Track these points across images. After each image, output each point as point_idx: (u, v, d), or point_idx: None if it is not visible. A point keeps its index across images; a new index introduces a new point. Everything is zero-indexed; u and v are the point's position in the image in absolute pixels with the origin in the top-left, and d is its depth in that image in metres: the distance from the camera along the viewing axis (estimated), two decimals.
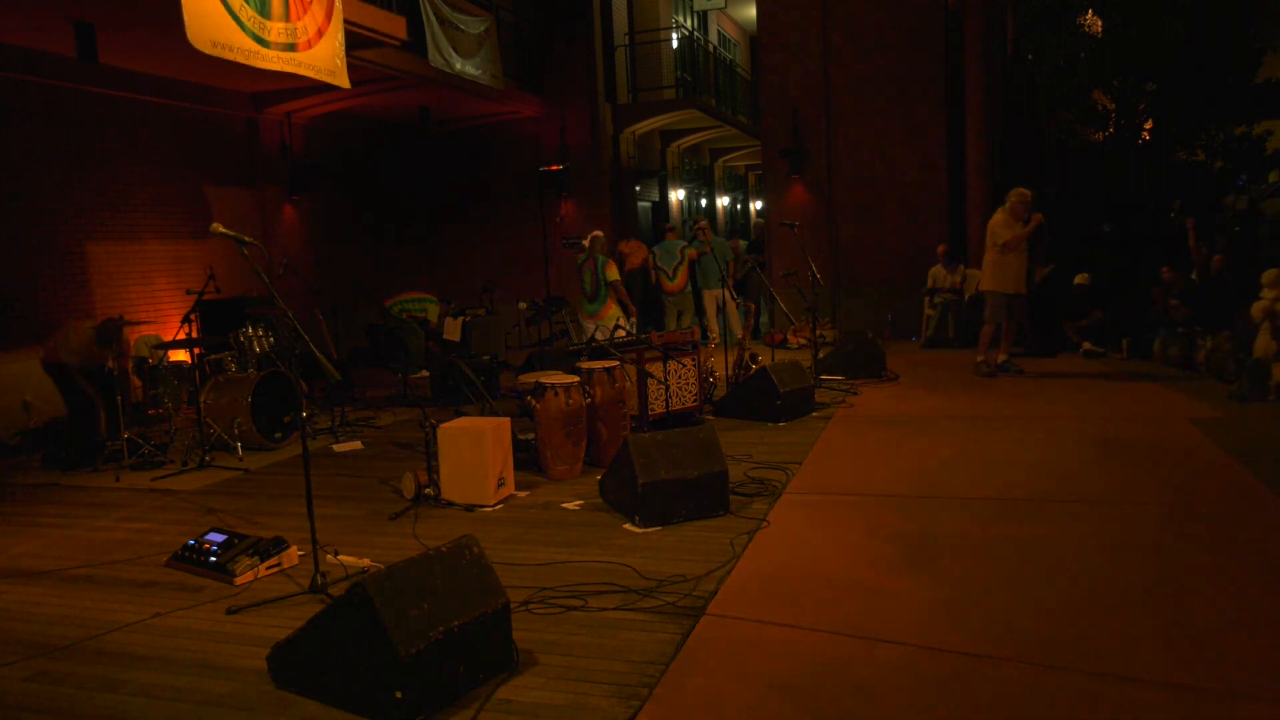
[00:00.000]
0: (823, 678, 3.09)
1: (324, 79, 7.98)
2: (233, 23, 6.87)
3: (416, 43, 10.20)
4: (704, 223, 11.77)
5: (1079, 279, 10.63)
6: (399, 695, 2.82)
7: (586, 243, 8.93)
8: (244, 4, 6.97)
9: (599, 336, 8.39)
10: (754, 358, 8.29)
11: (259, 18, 7.13)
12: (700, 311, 12.22)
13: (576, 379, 5.87)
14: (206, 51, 6.65)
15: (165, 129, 10.00)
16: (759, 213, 21.86)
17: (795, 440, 6.62)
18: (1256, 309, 7.55)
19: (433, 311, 10.79)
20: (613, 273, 8.75)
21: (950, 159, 12.34)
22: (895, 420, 7.28)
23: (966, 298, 11.32)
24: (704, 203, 20.09)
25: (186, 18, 6.41)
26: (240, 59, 6.95)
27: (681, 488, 4.77)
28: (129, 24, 7.72)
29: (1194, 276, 9.83)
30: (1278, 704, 2.81)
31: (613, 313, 8.78)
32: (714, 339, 11.28)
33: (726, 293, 11.60)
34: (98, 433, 6.79)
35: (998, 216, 8.80)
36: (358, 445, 7.19)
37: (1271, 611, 3.47)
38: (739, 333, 12.15)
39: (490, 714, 2.92)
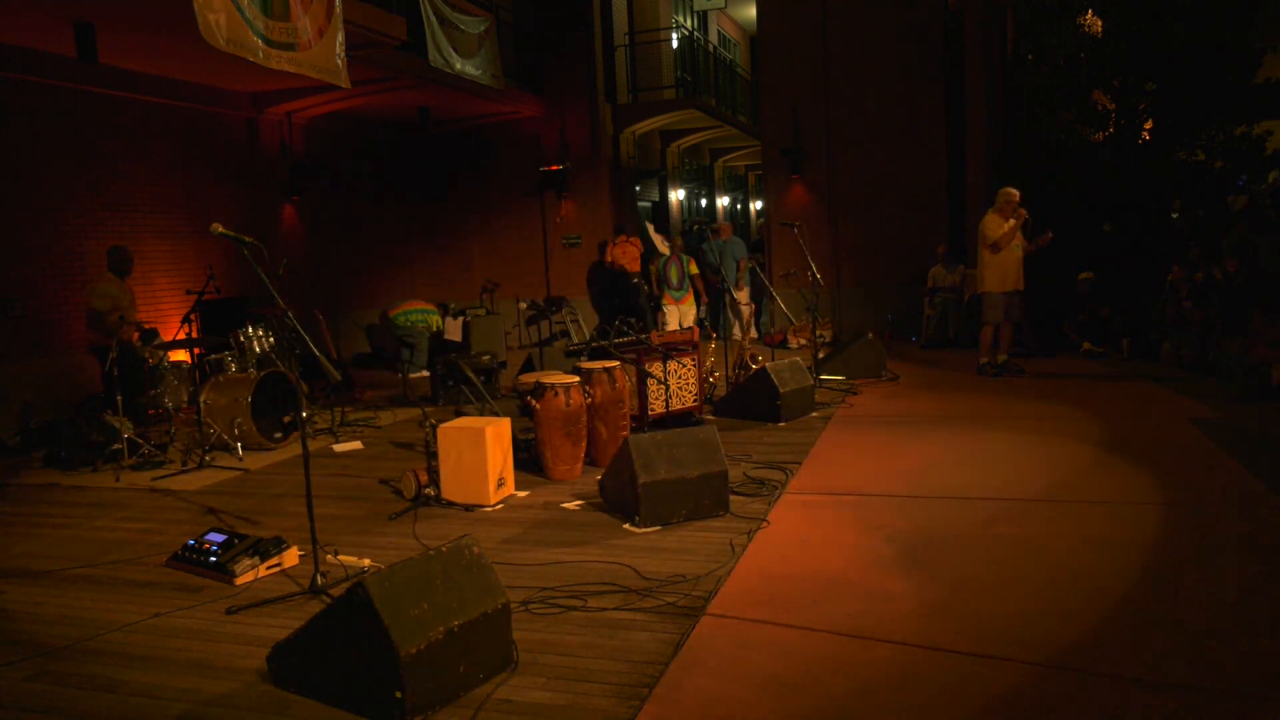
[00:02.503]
0: (823, 678, 3.09)
1: (324, 79, 7.98)
2: (241, 20, 6.88)
3: (416, 43, 10.20)
4: (726, 224, 12.95)
5: (1084, 275, 10.62)
6: (399, 695, 2.82)
7: (668, 247, 11.57)
8: (249, 3, 6.98)
9: (682, 322, 11.10)
10: (754, 358, 8.29)
11: (263, 17, 7.14)
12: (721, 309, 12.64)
13: (576, 379, 5.87)
14: (220, 48, 6.65)
15: (165, 129, 10.00)
16: (759, 213, 21.86)
17: (795, 440, 6.62)
18: None
19: (434, 322, 10.84)
20: (694, 268, 11.38)
21: (950, 159, 12.33)
22: (895, 420, 7.28)
23: (966, 297, 11.32)
24: (704, 203, 20.10)
25: (199, 14, 6.41)
26: (249, 56, 6.97)
27: (681, 488, 4.77)
28: (129, 24, 7.72)
29: (1196, 277, 9.81)
30: (1278, 704, 2.81)
31: (691, 300, 11.41)
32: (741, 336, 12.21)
33: (730, 292, 11.76)
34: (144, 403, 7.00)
35: (986, 217, 8.87)
36: (358, 445, 7.19)
37: (1272, 611, 3.46)
38: (738, 333, 12.26)
39: (490, 714, 2.92)
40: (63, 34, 7.48)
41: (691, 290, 11.32)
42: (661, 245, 11.68)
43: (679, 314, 11.31)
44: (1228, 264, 9.29)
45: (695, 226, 16.23)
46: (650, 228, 12.69)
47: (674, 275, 11.24)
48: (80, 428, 7.35)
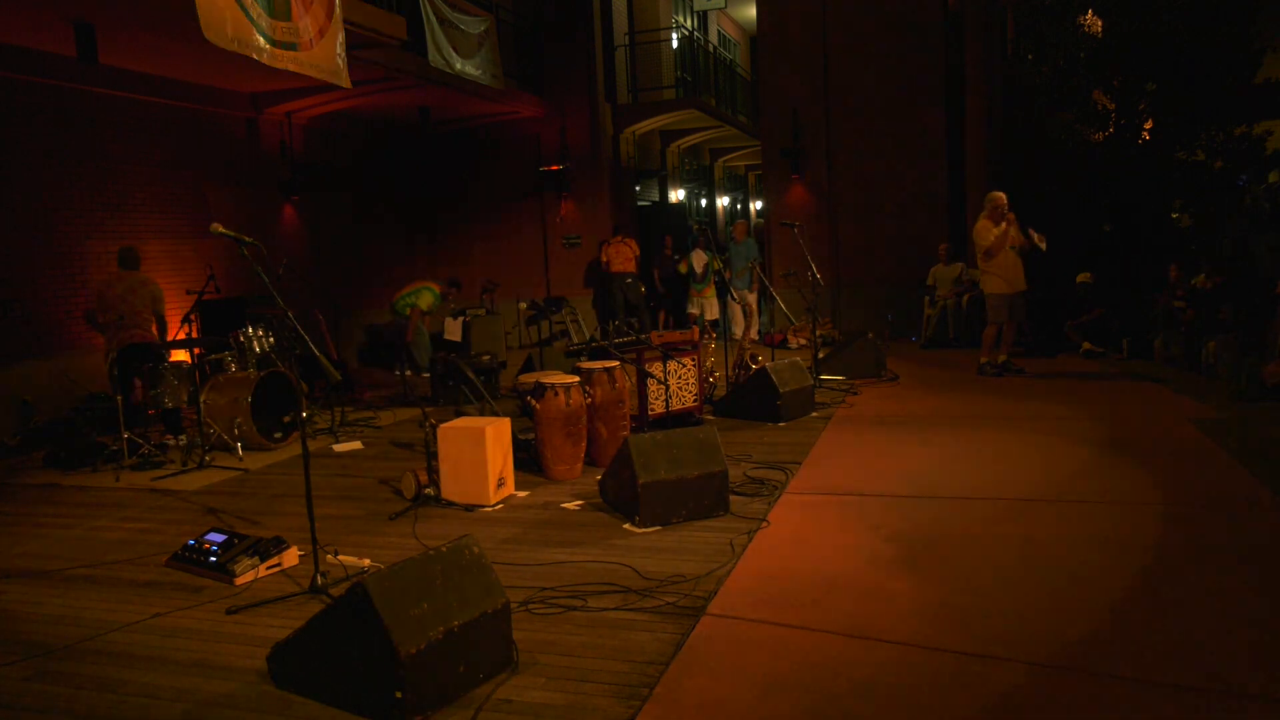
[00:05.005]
0: (823, 678, 3.09)
1: (326, 79, 7.98)
2: (245, 19, 6.88)
3: (416, 43, 10.20)
4: (741, 223, 13.25)
5: (1081, 277, 10.62)
6: (399, 695, 2.82)
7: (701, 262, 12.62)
8: (254, 1, 6.98)
9: (705, 312, 12.39)
10: (754, 358, 8.30)
11: (267, 16, 7.14)
12: (725, 309, 12.83)
13: (576, 379, 5.87)
14: (224, 46, 6.64)
15: (165, 129, 10.00)
16: (759, 213, 21.86)
17: (795, 440, 6.62)
18: None
19: (426, 298, 10.73)
20: (716, 263, 12.03)
21: (950, 159, 12.34)
22: (895, 420, 7.28)
23: (966, 297, 11.32)
24: (704, 203, 20.09)
25: (201, 13, 6.41)
26: (254, 55, 6.97)
27: (681, 488, 4.77)
28: (129, 24, 7.72)
29: (1198, 281, 9.82)
30: (1277, 704, 2.81)
31: (711, 291, 12.53)
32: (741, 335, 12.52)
33: (730, 292, 11.83)
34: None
35: (977, 225, 8.88)
36: (358, 445, 7.19)
37: (1271, 611, 3.47)
38: (738, 333, 12.29)
39: (490, 714, 2.92)
40: (63, 34, 7.47)
41: (714, 282, 12.35)
42: (698, 262, 12.55)
43: (702, 304, 12.58)
44: (1207, 273, 9.35)
45: (696, 225, 16.27)
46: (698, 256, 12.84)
47: (699, 268, 12.35)
48: (80, 428, 7.35)
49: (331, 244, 12.63)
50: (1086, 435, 6.38)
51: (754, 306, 12.63)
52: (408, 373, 10.46)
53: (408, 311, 10.63)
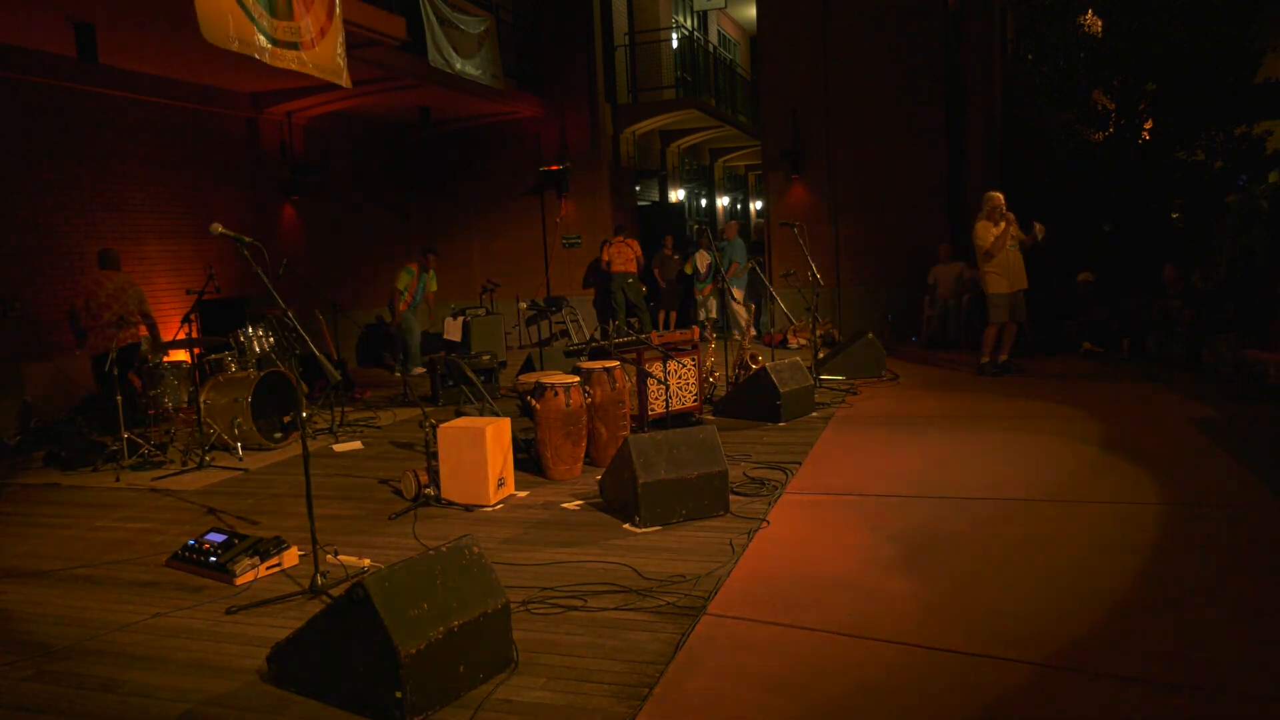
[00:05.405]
0: (823, 678, 3.09)
1: (326, 78, 7.98)
2: (247, 18, 6.88)
3: (416, 43, 10.20)
4: (732, 224, 13.60)
5: (1082, 277, 10.61)
6: (399, 695, 2.82)
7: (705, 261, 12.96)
8: (255, 2, 6.97)
9: (707, 309, 12.90)
10: (754, 358, 8.30)
11: (268, 15, 7.14)
12: (723, 308, 12.85)
13: (576, 379, 5.87)
14: (224, 46, 6.64)
15: (165, 129, 10.00)
16: (759, 212, 21.86)
17: (795, 440, 6.62)
18: None
19: (402, 279, 10.90)
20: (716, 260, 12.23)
21: (950, 159, 12.33)
22: (895, 420, 7.28)
23: (966, 297, 11.32)
24: (704, 203, 20.09)
25: (200, 14, 6.40)
26: (256, 54, 6.97)
27: (681, 488, 4.77)
28: (129, 24, 7.72)
29: (1195, 281, 9.83)
30: (1277, 704, 2.81)
31: (712, 289, 12.96)
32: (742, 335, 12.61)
33: (728, 292, 11.87)
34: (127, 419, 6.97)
35: (976, 226, 8.88)
36: (358, 445, 7.19)
37: (1271, 611, 3.47)
38: (738, 333, 12.30)
39: (490, 714, 2.92)
40: (63, 34, 7.47)
41: (715, 281, 12.65)
42: (702, 263, 12.84)
43: (704, 301, 13.01)
44: (1204, 273, 9.37)
45: (696, 226, 16.31)
46: (702, 255, 13.06)
47: (703, 268, 12.78)
48: (80, 427, 7.35)
49: (331, 244, 12.64)
50: (1086, 435, 6.38)
51: (741, 302, 12.62)
52: (398, 374, 10.48)
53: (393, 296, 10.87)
